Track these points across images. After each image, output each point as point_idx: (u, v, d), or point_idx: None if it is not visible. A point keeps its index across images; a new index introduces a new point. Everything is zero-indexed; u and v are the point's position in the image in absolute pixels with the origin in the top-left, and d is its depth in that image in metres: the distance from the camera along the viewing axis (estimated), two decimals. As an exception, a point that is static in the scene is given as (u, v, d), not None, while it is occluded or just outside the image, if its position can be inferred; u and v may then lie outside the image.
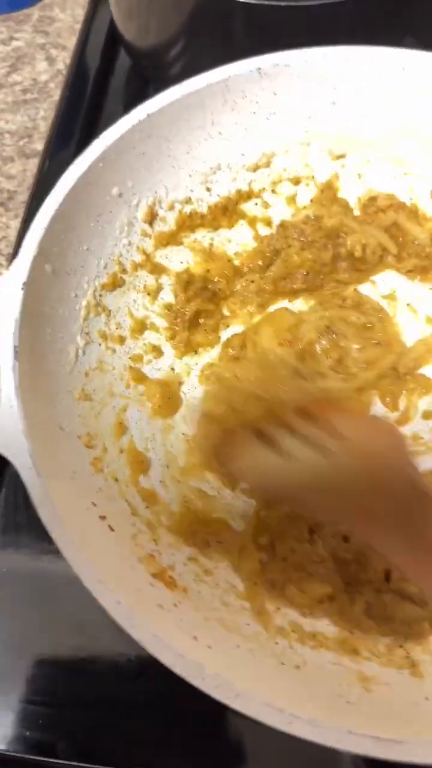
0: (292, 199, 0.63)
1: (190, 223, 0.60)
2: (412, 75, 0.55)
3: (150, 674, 0.50)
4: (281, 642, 0.44)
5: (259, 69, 0.55)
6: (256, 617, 0.46)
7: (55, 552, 0.52)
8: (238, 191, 0.61)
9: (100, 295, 0.54)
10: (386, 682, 0.42)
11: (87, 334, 0.52)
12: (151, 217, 0.57)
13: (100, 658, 0.51)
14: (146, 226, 0.57)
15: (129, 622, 0.36)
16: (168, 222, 0.58)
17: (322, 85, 0.57)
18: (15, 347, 0.42)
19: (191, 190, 0.59)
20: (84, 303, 0.52)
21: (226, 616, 0.45)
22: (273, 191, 0.62)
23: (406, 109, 0.57)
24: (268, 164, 0.61)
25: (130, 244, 0.56)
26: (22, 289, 0.44)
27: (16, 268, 0.45)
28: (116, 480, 0.49)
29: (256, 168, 0.60)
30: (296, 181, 0.62)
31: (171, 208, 0.58)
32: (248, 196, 0.62)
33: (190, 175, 0.58)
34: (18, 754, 0.48)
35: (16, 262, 0.45)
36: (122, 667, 0.51)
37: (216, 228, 0.61)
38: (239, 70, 0.54)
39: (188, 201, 0.59)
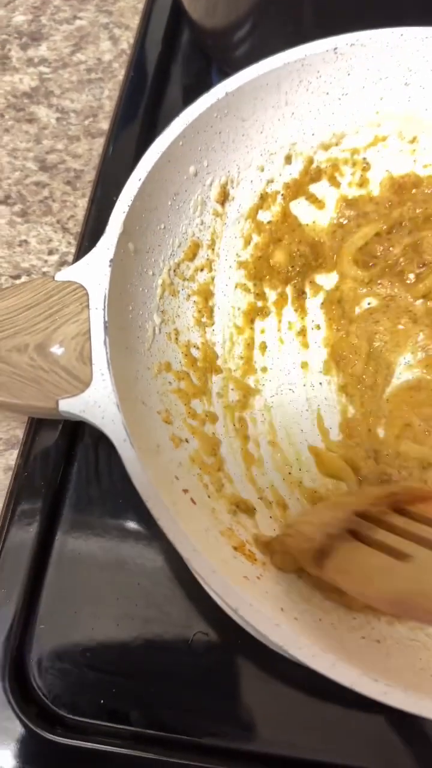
0: (359, 183, 0.62)
1: (261, 203, 0.60)
2: None
3: (219, 650, 0.51)
4: (358, 616, 0.45)
5: (336, 48, 0.55)
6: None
7: (126, 527, 0.54)
8: (307, 171, 0.61)
9: (174, 274, 0.54)
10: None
11: (162, 312, 0.52)
12: (224, 197, 0.57)
13: (170, 632, 0.52)
14: (218, 206, 0.57)
15: (225, 590, 0.37)
16: (241, 202, 0.59)
17: (397, 66, 0.57)
18: (105, 322, 0.43)
19: (262, 171, 0.59)
20: (160, 281, 0.52)
21: (303, 590, 0.45)
22: (340, 172, 0.62)
23: None
24: (338, 144, 0.60)
25: (202, 223, 0.56)
26: (110, 266, 0.45)
27: (103, 245, 0.46)
28: (192, 459, 0.49)
29: (327, 147, 0.60)
30: (364, 164, 0.62)
31: (242, 187, 0.58)
32: (317, 175, 0.61)
33: (261, 155, 0.58)
34: (93, 721, 0.49)
35: (103, 239, 0.46)
36: (192, 641, 0.52)
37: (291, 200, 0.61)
38: (316, 50, 0.54)
39: (260, 180, 0.59)
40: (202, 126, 0.52)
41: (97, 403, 0.41)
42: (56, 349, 0.43)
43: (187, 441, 0.50)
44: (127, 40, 0.74)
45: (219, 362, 0.57)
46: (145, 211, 0.49)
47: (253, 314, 0.59)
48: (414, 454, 0.52)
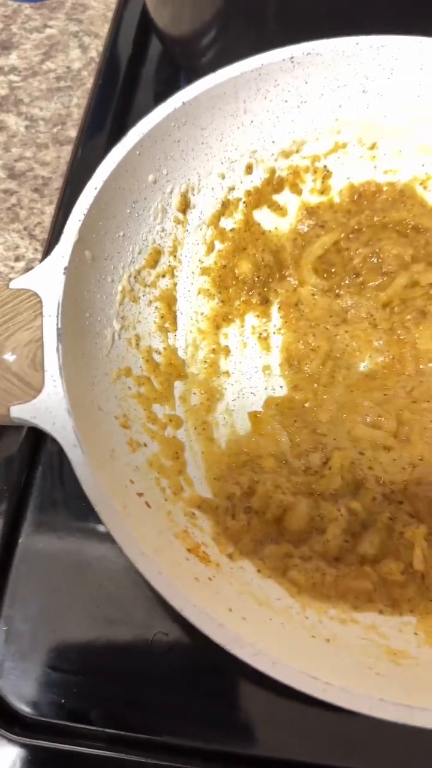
0: (321, 190, 0.63)
1: (223, 210, 0.61)
2: (443, 63, 0.56)
3: (179, 649, 0.52)
4: (311, 616, 0.46)
5: (292, 58, 0.56)
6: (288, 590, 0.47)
7: (90, 529, 0.55)
8: (269, 179, 0.62)
9: (135, 280, 0.55)
10: (413, 656, 0.43)
11: (122, 318, 0.53)
12: (185, 205, 0.58)
13: (132, 633, 0.53)
14: (179, 213, 0.58)
15: (170, 591, 0.37)
16: (203, 209, 0.60)
17: (354, 74, 0.58)
18: (58, 329, 0.44)
19: (223, 178, 0.60)
20: (119, 288, 0.53)
21: (257, 591, 0.46)
22: (301, 179, 0.63)
23: (435, 97, 0.58)
24: (298, 151, 0.61)
25: (163, 230, 0.57)
26: (64, 273, 0.46)
27: (57, 254, 0.46)
28: (150, 463, 0.50)
29: (288, 155, 0.61)
30: (325, 171, 0.63)
31: (203, 194, 0.59)
32: (279, 183, 0.62)
33: (222, 162, 0.59)
34: (54, 720, 0.50)
35: (58, 247, 0.47)
36: (153, 641, 0.52)
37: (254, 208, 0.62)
38: (272, 59, 0.55)
39: (221, 188, 0.60)
40: (160, 135, 0.53)
41: (48, 409, 0.42)
42: (8, 356, 0.43)
43: (145, 445, 0.51)
44: (96, 48, 0.75)
45: (182, 367, 0.58)
46: (102, 219, 0.50)
47: (217, 320, 0.60)
48: (365, 436, 0.54)
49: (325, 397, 0.56)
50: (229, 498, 0.51)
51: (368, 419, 0.54)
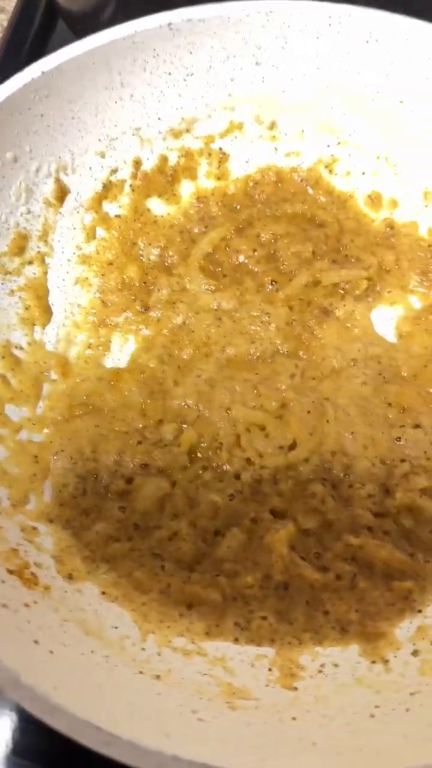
0: (217, 175, 0.58)
1: (105, 193, 0.55)
2: (338, 30, 0.51)
3: None
4: (150, 648, 0.40)
5: (170, 24, 0.50)
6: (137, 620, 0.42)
7: None
8: (160, 166, 0.57)
9: (-8, 267, 0.50)
10: (256, 696, 0.38)
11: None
12: (56, 187, 0.53)
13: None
14: (49, 195, 0.52)
15: None
16: (79, 191, 0.54)
17: (244, 43, 0.53)
18: None
19: (103, 157, 0.54)
20: (-31, 274, 0.48)
21: (90, 618, 0.41)
22: (195, 162, 0.57)
23: (334, 67, 0.53)
24: (189, 130, 0.56)
25: (29, 212, 0.52)
26: None
27: None
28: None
29: (178, 134, 0.56)
30: (221, 154, 0.57)
31: (79, 174, 0.54)
32: (173, 171, 0.57)
33: (99, 140, 0.54)
34: None
35: None
36: None
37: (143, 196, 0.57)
38: (147, 26, 0.50)
39: (100, 168, 0.55)
40: (17, 108, 0.48)
41: None
42: None
43: (-17, 450, 0.45)
44: (0, 23, 0.70)
45: (51, 364, 0.52)
46: None
47: (96, 312, 0.55)
48: (243, 417, 0.49)
49: (196, 376, 0.50)
50: (72, 457, 0.47)
51: (248, 400, 0.49)
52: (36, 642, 0.36)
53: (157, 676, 0.38)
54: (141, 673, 0.38)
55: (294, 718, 0.36)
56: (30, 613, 0.38)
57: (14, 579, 0.40)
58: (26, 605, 0.39)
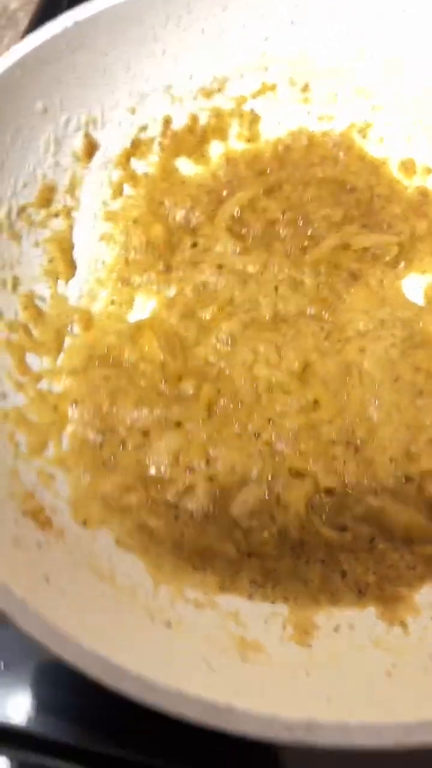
0: (248, 137, 0.57)
1: (134, 150, 0.55)
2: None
3: None
4: (162, 597, 0.40)
5: (206, -22, 0.50)
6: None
7: None
8: (190, 126, 0.56)
9: (18, 217, 0.49)
10: (268, 651, 0.37)
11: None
12: (86, 139, 0.52)
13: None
14: (78, 148, 0.52)
15: None
16: (108, 146, 0.54)
17: (280, 1, 0.52)
18: None
19: (133, 113, 0.54)
20: (-7, 222, 0.48)
21: (103, 565, 0.40)
22: (226, 123, 0.57)
23: (370, 29, 0.52)
24: (221, 90, 0.55)
25: (57, 165, 0.51)
26: None
27: None
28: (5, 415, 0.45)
29: (209, 94, 0.55)
30: (252, 115, 0.57)
31: (108, 130, 0.53)
32: (203, 131, 0.56)
33: (130, 95, 0.53)
34: None
35: None
36: None
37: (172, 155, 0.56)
38: (182, -21, 0.50)
39: (130, 124, 0.54)
40: (49, 57, 0.48)
41: None
42: None
43: (3, 396, 0.45)
44: (35, -11, 0.71)
45: (74, 318, 0.52)
46: (-30, 141, 0.45)
47: (120, 270, 0.54)
48: (265, 376, 0.48)
49: (218, 335, 0.50)
50: (90, 409, 0.46)
51: (271, 361, 0.48)
52: (46, 579, 0.35)
53: (168, 623, 0.38)
54: (152, 619, 0.37)
55: (308, 674, 0.35)
56: (42, 553, 0.38)
57: (28, 520, 0.40)
58: (39, 545, 0.38)
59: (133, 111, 0.54)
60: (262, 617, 0.40)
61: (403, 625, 0.39)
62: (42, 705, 0.44)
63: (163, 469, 0.45)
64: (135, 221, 0.55)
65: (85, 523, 0.43)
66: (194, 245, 0.54)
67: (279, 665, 0.36)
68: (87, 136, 0.52)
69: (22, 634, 0.31)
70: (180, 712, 0.29)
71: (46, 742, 0.44)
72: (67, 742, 0.44)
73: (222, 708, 0.29)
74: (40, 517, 0.41)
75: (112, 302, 0.53)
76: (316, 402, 0.47)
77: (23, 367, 0.48)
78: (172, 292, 0.53)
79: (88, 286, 0.53)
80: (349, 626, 0.39)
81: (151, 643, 0.35)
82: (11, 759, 0.44)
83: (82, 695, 0.44)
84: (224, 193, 0.56)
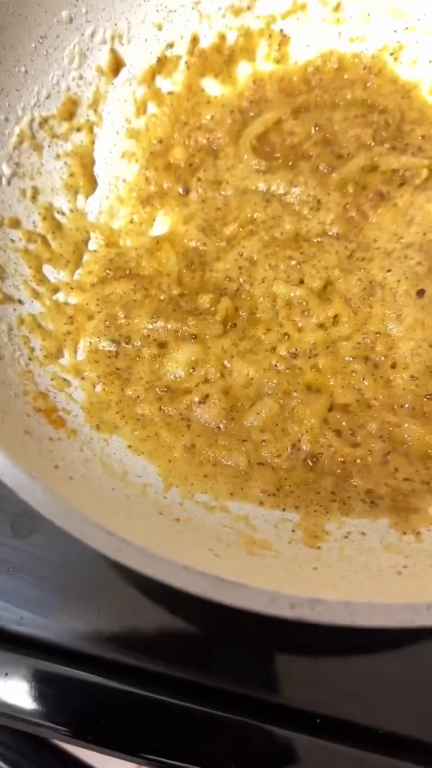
0: (277, 59, 0.56)
1: (159, 67, 0.54)
2: None
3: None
4: (173, 497, 0.39)
5: None
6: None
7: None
8: (218, 44, 0.55)
9: (40, 127, 0.49)
10: (276, 549, 0.36)
11: (17, 164, 0.48)
12: (111, 54, 0.52)
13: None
14: (103, 62, 0.51)
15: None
16: (133, 62, 0.53)
17: None
18: None
19: (160, 30, 0.53)
20: (16, 130, 0.47)
21: (115, 464, 0.40)
22: (255, 43, 0.56)
23: None
24: (250, 8, 0.54)
25: (81, 78, 0.51)
26: None
27: None
28: (21, 321, 0.44)
29: (238, 12, 0.54)
30: (281, 36, 0.55)
31: (134, 45, 0.52)
32: (230, 50, 0.55)
33: (157, 10, 0.52)
34: None
35: None
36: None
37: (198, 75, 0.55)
38: None
39: (156, 41, 0.53)
40: (76, -38, 0.47)
41: None
42: None
43: (19, 302, 0.45)
44: None
45: (94, 234, 0.51)
46: (-5, 44, 0.45)
47: (140, 189, 0.54)
48: (284, 292, 0.47)
49: (239, 252, 0.49)
50: (106, 319, 0.46)
51: (292, 277, 0.47)
52: (56, 467, 0.35)
53: (177, 519, 0.37)
54: (160, 514, 0.37)
55: (315, 568, 0.35)
56: (53, 445, 0.38)
57: (41, 417, 0.39)
58: (50, 439, 0.38)
59: (159, 27, 0.53)
60: (271, 522, 0.39)
61: (417, 533, 0.38)
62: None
63: (178, 379, 0.45)
64: (158, 140, 0.55)
65: (98, 427, 0.42)
66: (216, 165, 0.53)
67: (286, 560, 0.35)
68: (113, 51, 0.51)
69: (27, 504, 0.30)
70: (183, 586, 0.29)
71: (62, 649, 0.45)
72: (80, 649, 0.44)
73: (226, 581, 0.29)
74: (52, 416, 0.40)
75: (132, 221, 0.53)
76: (335, 318, 0.46)
77: (40, 276, 0.47)
78: (192, 210, 0.52)
79: (108, 203, 0.53)
80: (361, 533, 0.39)
81: (158, 531, 0.35)
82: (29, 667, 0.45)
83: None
84: (251, 114, 0.55)
